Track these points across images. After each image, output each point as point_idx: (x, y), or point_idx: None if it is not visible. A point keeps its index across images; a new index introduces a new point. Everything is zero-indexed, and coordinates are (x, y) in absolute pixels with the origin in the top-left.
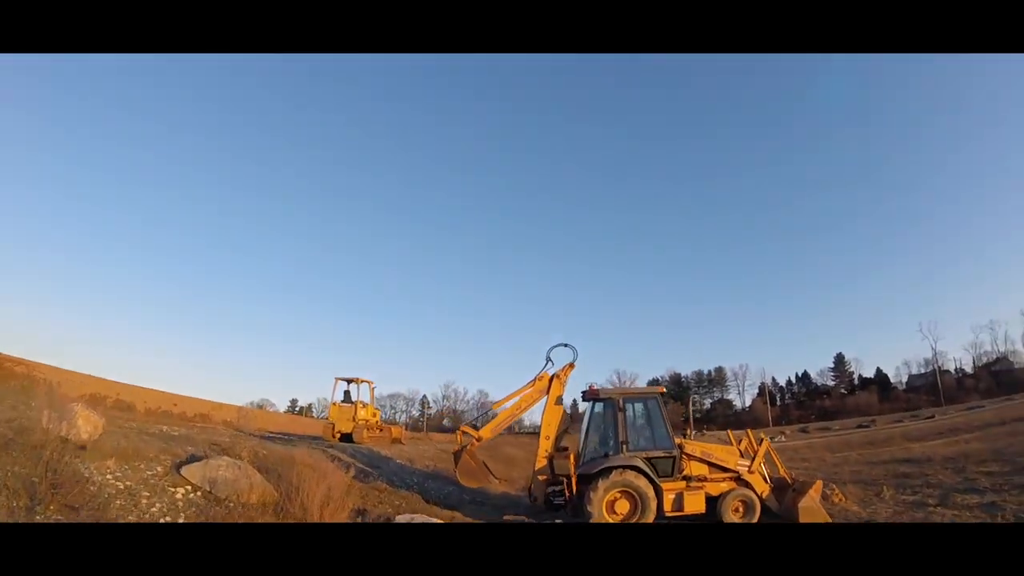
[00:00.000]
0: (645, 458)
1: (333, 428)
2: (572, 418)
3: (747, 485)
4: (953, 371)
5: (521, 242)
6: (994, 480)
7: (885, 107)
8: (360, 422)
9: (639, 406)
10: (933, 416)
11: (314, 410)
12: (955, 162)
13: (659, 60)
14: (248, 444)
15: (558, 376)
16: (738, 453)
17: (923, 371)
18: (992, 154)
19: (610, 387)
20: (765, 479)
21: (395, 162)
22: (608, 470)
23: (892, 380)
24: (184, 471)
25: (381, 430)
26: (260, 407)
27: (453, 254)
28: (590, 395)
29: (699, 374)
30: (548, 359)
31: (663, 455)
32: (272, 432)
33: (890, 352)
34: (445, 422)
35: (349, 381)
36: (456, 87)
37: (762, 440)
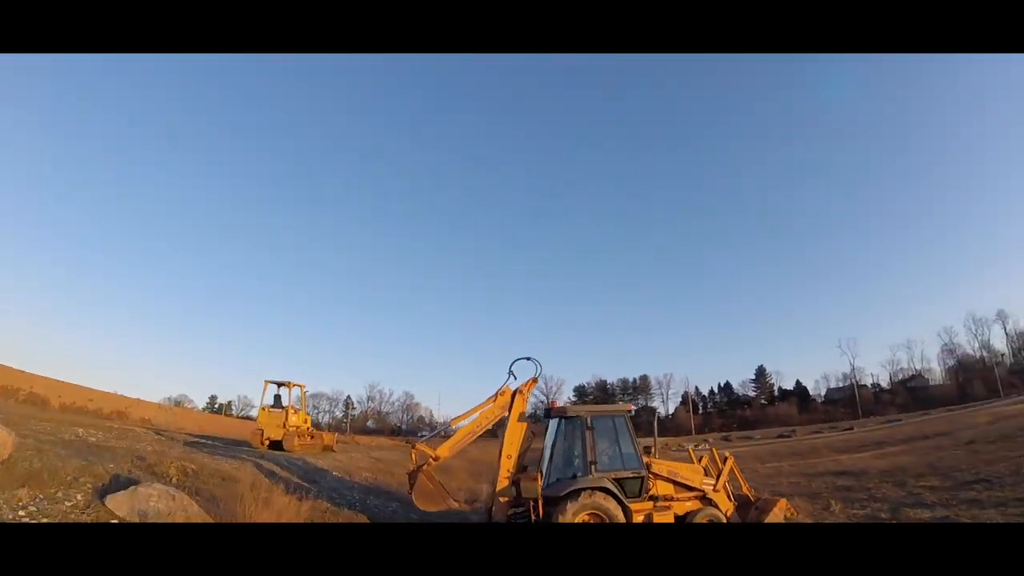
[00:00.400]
0: (614, 479)
1: (262, 435)
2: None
3: (712, 504)
4: (870, 386)
5: (445, 244)
6: (940, 495)
7: (819, 119)
8: (291, 429)
9: (607, 424)
10: (852, 428)
11: (234, 408)
12: (876, 184)
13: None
14: (174, 455)
15: (521, 391)
16: (702, 471)
17: (841, 385)
18: (913, 176)
19: (538, 395)
20: (729, 497)
21: (317, 159)
22: (577, 492)
23: (811, 392)
24: (109, 501)
25: (312, 437)
26: (178, 404)
27: (378, 255)
28: (556, 412)
29: (624, 381)
30: (510, 373)
31: (632, 475)
32: (194, 435)
33: (809, 366)
34: (370, 423)
35: (279, 385)
36: (379, 87)
37: (727, 458)
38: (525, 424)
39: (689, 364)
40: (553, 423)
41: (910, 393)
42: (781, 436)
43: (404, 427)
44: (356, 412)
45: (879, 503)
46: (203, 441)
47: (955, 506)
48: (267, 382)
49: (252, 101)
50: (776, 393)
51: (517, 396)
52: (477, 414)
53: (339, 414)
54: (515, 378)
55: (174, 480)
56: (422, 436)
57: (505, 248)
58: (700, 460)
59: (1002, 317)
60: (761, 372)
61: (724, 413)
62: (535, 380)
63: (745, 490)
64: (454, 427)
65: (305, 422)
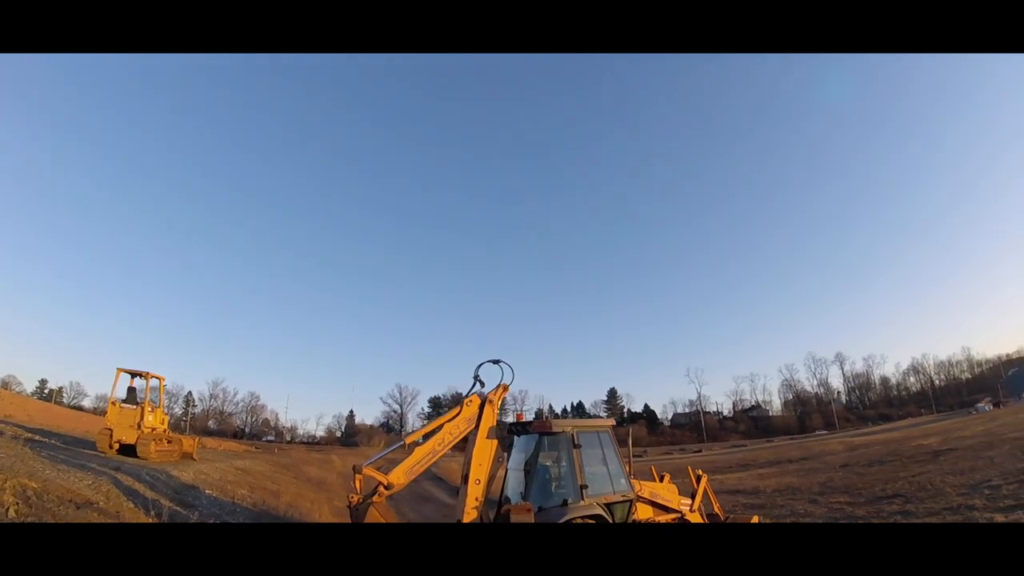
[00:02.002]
0: (604, 503)
1: (111, 436)
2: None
3: None
4: (713, 413)
5: (301, 247)
6: (865, 509)
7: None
8: (147, 431)
9: (592, 440)
10: (700, 451)
11: (65, 395)
12: (731, 221)
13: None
14: (6, 462)
15: (490, 400)
16: (676, 490)
17: (687, 411)
18: (764, 217)
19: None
20: (703, 516)
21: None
22: (570, 522)
23: (659, 416)
24: None
25: (170, 442)
26: (5, 385)
27: (232, 253)
28: (537, 427)
29: (480, 395)
30: (477, 379)
31: (621, 499)
32: (25, 427)
33: (658, 391)
34: (211, 423)
35: (134, 375)
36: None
37: (700, 477)
38: (495, 441)
39: (543, 381)
40: (523, 441)
41: (752, 421)
42: (634, 456)
43: (248, 430)
44: (197, 410)
45: (809, 518)
46: (38, 438)
47: (887, 516)
48: (119, 371)
49: None
50: (625, 415)
51: (487, 406)
52: (438, 429)
53: (178, 411)
54: (482, 385)
55: (11, 510)
56: (267, 440)
57: (361, 250)
58: (662, 479)
59: (840, 359)
60: (612, 394)
61: None
62: (506, 387)
63: (716, 509)
64: (410, 444)
65: (163, 423)
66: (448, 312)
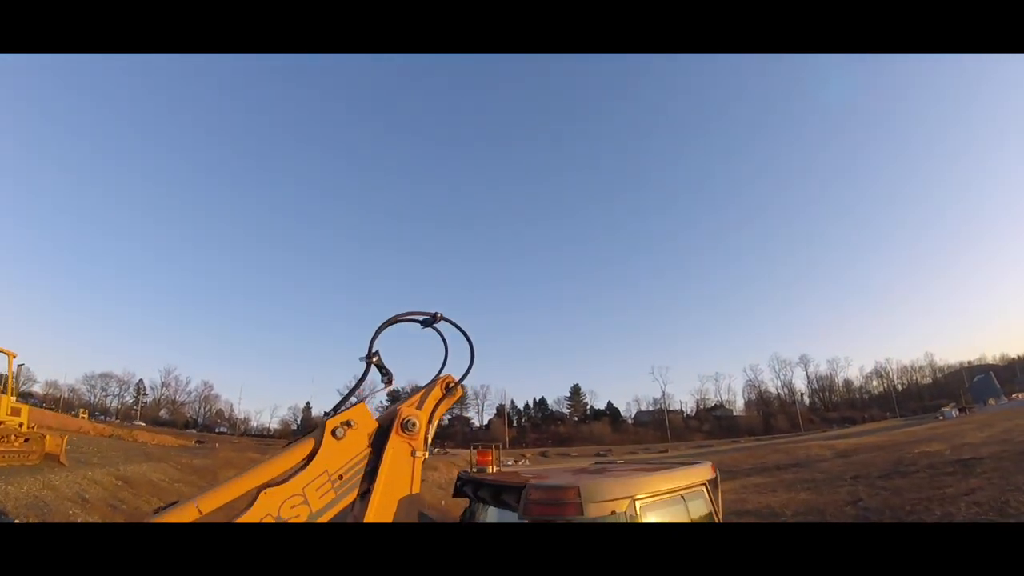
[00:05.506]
0: None
1: None
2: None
3: None
4: (677, 411)
5: (259, 233)
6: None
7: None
8: None
9: (676, 515)
10: (667, 451)
11: None
12: (687, 225)
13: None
14: None
15: (403, 426)
16: None
17: (651, 409)
18: (727, 219)
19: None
20: None
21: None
22: None
23: (623, 414)
24: None
25: (26, 440)
26: None
27: (191, 237)
28: (537, 506)
29: None
30: (370, 361)
31: None
32: None
33: (621, 388)
34: (163, 413)
35: None
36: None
37: None
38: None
39: (506, 377)
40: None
41: (716, 421)
42: (599, 455)
43: (200, 420)
44: (148, 399)
45: None
46: None
47: None
48: None
49: None
50: (589, 412)
51: (392, 440)
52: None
53: (129, 399)
54: (386, 376)
55: None
56: (220, 431)
57: (322, 237)
58: None
59: (804, 361)
60: (576, 391)
61: (539, 427)
62: (452, 383)
63: None
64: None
65: (18, 415)
66: (408, 297)
